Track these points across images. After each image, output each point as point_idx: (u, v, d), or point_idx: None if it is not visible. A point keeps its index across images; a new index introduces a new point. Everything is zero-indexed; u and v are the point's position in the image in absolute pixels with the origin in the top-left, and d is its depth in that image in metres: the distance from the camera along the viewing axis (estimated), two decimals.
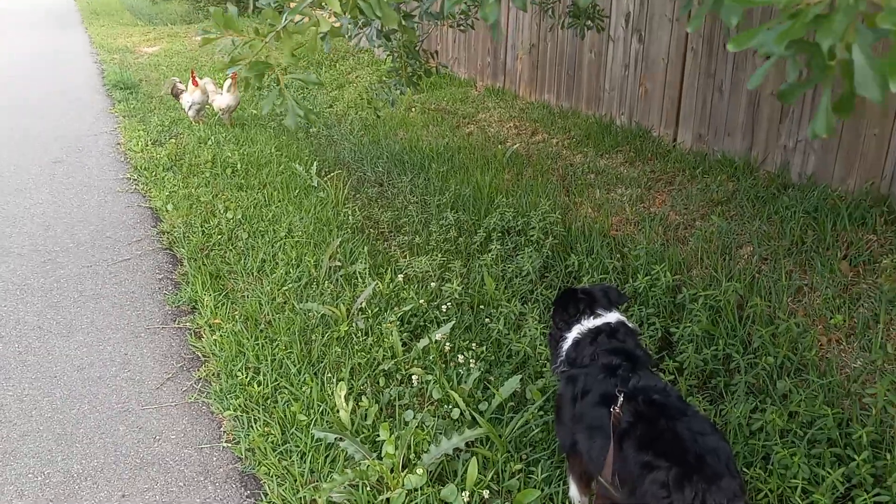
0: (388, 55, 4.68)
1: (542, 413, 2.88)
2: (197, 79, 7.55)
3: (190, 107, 7.56)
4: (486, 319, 3.64)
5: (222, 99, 7.53)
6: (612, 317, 2.57)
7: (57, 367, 3.45)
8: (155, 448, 2.90)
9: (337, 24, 1.75)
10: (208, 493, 2.67)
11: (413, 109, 8.35)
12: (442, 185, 5.64)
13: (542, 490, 2.48)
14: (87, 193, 5.74)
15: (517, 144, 6.51)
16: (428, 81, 9.34)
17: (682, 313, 3.61)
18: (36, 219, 5.21)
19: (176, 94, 7.84)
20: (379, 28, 3.37)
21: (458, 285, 3.86)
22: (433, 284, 3.89)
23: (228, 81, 7.69)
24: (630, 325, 2.61)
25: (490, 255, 4.29)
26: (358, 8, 1.45)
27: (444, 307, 3.68)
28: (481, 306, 3.80)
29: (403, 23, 3.19)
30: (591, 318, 2.57)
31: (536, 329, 3.46)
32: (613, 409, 2.16)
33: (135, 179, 6.05)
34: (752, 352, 3.17)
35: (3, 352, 3.57)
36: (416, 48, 5.05)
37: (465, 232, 4.72)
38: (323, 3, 1.53)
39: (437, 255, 4.30)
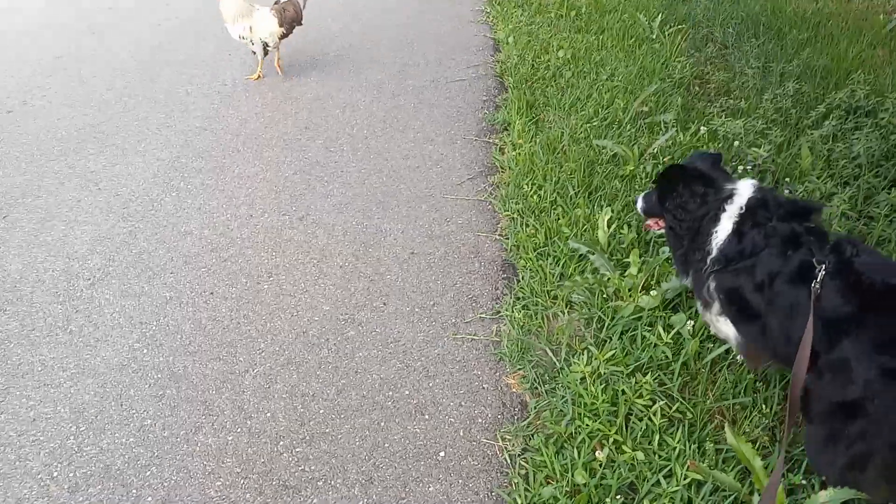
0: None
1: None
2: None
3: None
4: (786, 191, 3.38)
5: None
6: (747, 185, 2.18)
7: (389, 153, 4.17)
8: (444, 227, 3.45)
9: None
10: (475, 268, 3.15)
11: None
12: (794, 53, 5.05)
13: None
14: (444, 20, 6.40)
15: None
16: None
17: None
18: (400, 37, 6.03)
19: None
20: None
21: (766, 152, 3.60)
22: (736, 144, 3.68)
23: None
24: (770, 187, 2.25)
25: (821, 131, 3.86)
26: None
27: (740, 168, 3.50)
28: (787, 179, 3.52)
29: None
30: (731, 199, 2.17)
31: (839, 208, 3.13)
32: (814, 285, 1.85)
33: (487, 12, 6.54)
34: None
35: (354, 135, 4.40)
36: None
37: (801, 105, 4.26)
38: None
39: (757, 123, 4.00)
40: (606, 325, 2.66)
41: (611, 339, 2.60)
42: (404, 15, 6.58)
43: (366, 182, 3.87)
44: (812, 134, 3.86)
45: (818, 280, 1.85)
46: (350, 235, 3.41)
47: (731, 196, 2.19)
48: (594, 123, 4.14)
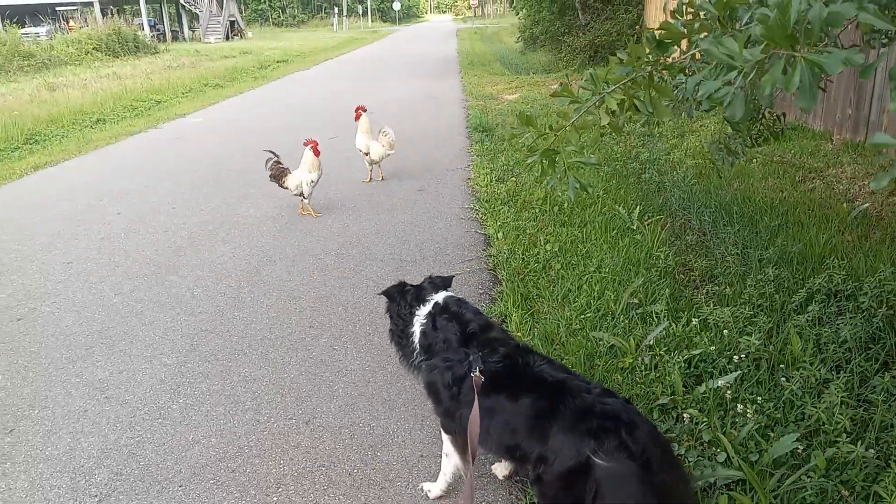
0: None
1: (823, 479, 2.72)
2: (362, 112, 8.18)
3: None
4: (783, 379, 3.48)
5: (375, 148, 8.19)
6: (440, 296, 2.87)
7: (392, 349, 4.23)
8: None
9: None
10: (486, 470, 3.12)
11: (754, 161, 8.03)
12: (769, 239, 5.41)
13: None
14: (437, 218, 6.83)
15: (868, 204, 5.89)
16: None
17: None
18: (397, 234, 6.40)
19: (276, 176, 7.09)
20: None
21: (758, 339, 3.75)
22: (726, 333, 3.84)
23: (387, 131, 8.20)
24: (457, 296, 2.92)
25: (806, 316, 4.05)
26: (634, 106, 1.76)
27: (735, 358, 3.62)
28: (781, 365, 3.64)
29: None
30: (424, 305, 2.85)
31: (838, 397, 3.21)
32: (472, 375, 2.46)
33: (476, 210, 6.99)
34: None
35: (357, 332, 4.55)
36: (762, 111, 4.95)
37: (783, 290, 4.50)
38: (605, 103, 1.88)
39: (744, 309, 4.20)
40: None
41: None
42: (399, 215, 7.02)
43: (370, 381, 3.94)
44: (798, 318, 4.04)
45: (475, 373, 2.45)
46: (357, 439, 3.41)
47: (425, 303, 2.85)
48: (588, 315, 4.32)
